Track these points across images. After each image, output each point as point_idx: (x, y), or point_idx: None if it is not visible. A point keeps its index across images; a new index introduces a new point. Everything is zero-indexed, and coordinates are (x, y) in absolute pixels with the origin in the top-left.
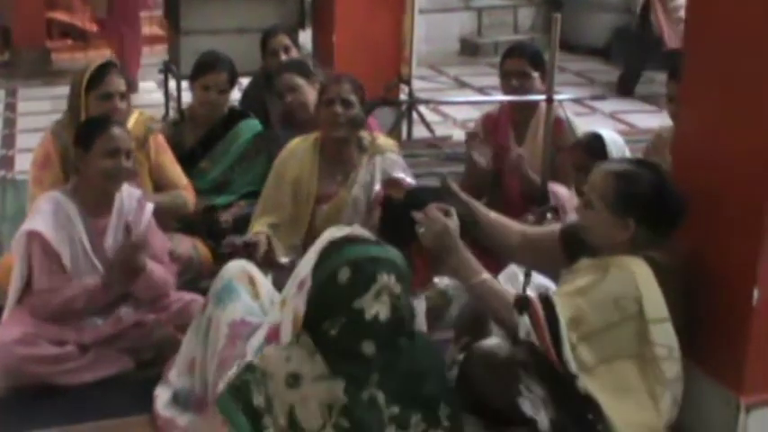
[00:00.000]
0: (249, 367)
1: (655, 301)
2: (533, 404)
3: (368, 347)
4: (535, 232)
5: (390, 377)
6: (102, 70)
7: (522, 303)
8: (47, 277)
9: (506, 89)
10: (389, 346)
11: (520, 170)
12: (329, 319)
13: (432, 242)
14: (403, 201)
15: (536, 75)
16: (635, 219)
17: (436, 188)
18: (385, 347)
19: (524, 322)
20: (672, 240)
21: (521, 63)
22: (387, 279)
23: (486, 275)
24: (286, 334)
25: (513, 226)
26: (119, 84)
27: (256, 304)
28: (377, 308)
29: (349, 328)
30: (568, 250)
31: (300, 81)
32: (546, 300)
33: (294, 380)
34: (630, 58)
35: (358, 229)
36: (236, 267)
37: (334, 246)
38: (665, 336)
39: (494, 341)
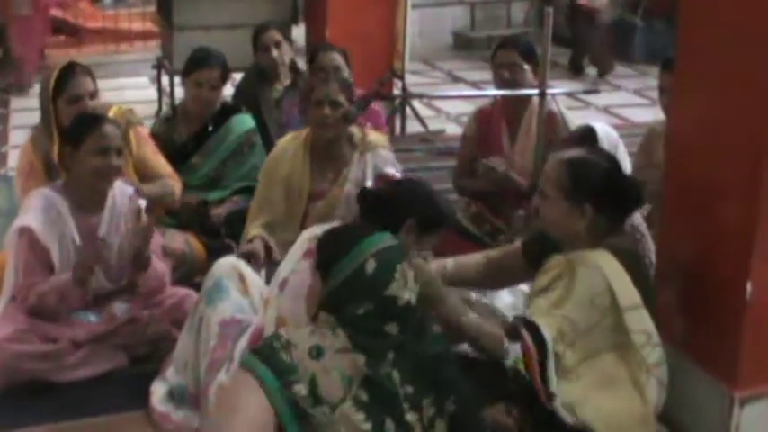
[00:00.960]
0: (275, 335)
1: (625, 290)
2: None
3: (392, 328)
4: (497, 253)
5: (405, 358)
6: (67, 73)
7: (513, 333)
8: (28, 272)
9: (498, 81)
10: (408, 329)
11: (494, 182)
12: (355, 303)
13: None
14: (379, 192)
15: (527, 67)
16: (591, 204)
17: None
18: (405, 330)
19: (514, 349)
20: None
21: (512, 55)
22: (403, 265)
23: (473, 315)
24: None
25: (473, 258)
26: (86, 84)
27: (246, 301)
28: (407, 294)
29: (379, 312)
30: (532, 262)
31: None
32: (531, 325)
33: (317, 351)
34: (578, 36)
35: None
36: (226, 265)
37: (348, 239)
38: (640, 322)
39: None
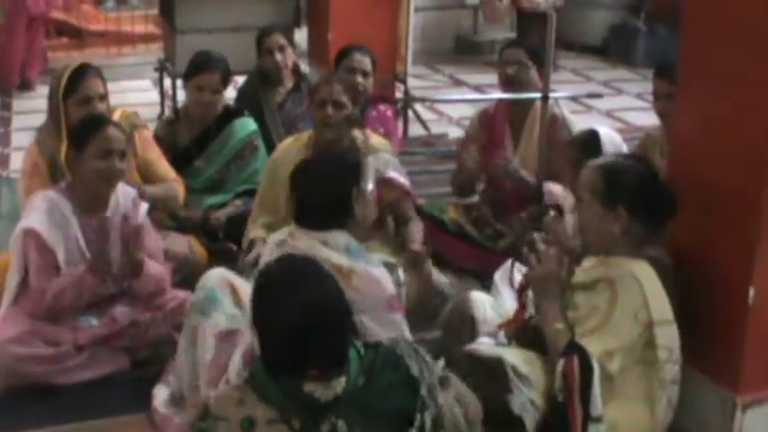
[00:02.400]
0: (204, 413)
1: (660, 303)
2: (522, 403)
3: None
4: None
5: (351, 401)
6: (78, 74)
7: (566, 352)
8: (40, 275)
9: (503, 78)
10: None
11: (507, 175)
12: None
13: (537, 280)
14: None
15: (533, 66)
16: (624, 207)
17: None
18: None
19: (558, 367)
20: (665, 237)
21: (518, 52)
22: None
23: (560, 326)
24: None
25: None
26: (96, 86)
27: (239, 311)
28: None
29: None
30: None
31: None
32: (579, 349)
33: (250, 424)
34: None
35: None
36: (216, 276)
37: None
38: (668, 338)
39: (483, 340)
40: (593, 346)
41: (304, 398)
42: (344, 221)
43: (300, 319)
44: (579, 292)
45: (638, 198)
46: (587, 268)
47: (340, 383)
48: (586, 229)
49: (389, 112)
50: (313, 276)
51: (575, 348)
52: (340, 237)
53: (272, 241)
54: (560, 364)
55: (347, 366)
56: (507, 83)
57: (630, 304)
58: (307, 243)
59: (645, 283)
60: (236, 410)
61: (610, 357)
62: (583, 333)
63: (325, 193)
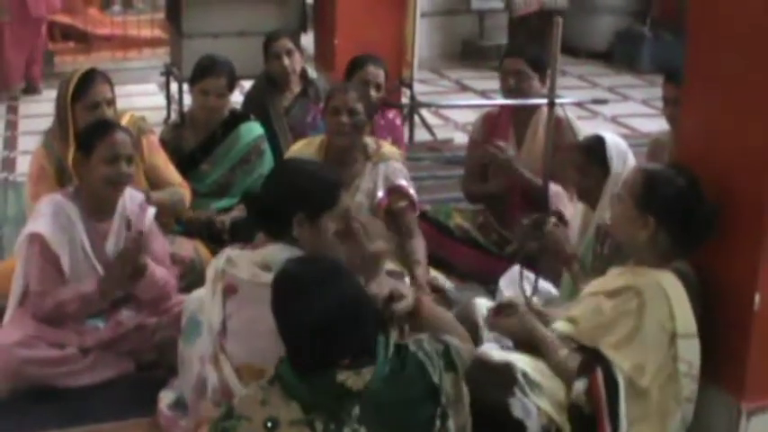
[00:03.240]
0: (227, 412)
1: (685, 316)
2: (524, 407)
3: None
4: None
5: (374, 409)
6: (87, 79)
7: (585, 369)
8: (40, 279)
9: (504, 88)
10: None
11: (511, 172)
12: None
13: (517, 333)
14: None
15: (534, 75)
16: (655, 217)
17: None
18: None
19: (579, 386)
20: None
21: (518, 62)
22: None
23: (564, 352)
24: None
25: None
26: (105, 91)
27: None
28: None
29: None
30: None
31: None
32: (603, 361)
33: (273, 424)
34: None
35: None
36: (196, 300)
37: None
38: (690, 352)
39: (488, 346)
40: (624, 360)
41: (335, 388)
42: (283, 237)
43: (333, 315)
44: (604, 297)
45: (670, 212)
46: (614, 275)
47: (370, 371)
48: (617, 227)
49: (398, 120)
50: (335, 273)
51: (595, 361)
52: (279, 253)
53: (212, 272)
54: (581, 383)
55: (377, 355)
56: (509, 93)
57: (658, 314)
58: (248, 271)
59: (671, 293)
60: (260, 410)
61: (641, 372)
62: (612, 344)
63: (268, 200)
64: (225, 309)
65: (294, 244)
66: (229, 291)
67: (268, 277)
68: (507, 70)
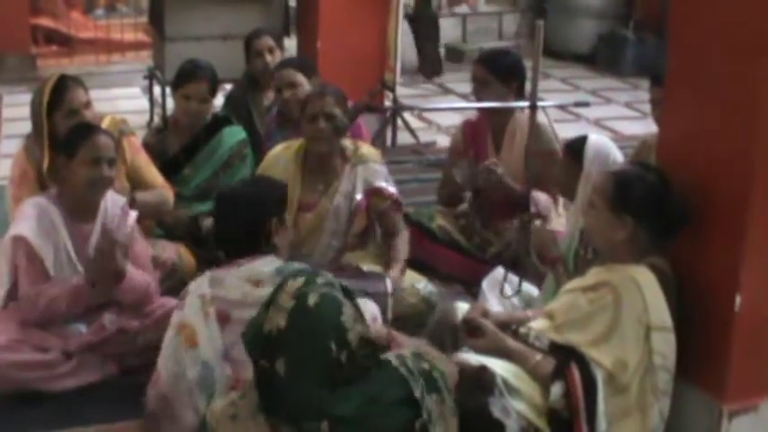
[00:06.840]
0: (203, 426)
1: (659, 309)
2: (503, 408)
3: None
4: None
5: (341, 421)
6: (60, 87)
7: (560, 372)
8: (30, 281)
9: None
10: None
11: (492, 182)
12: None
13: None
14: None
15: (498, 83)
16: (632, 216)
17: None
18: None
19: (556, 391)
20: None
21: (480, 70)
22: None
23: (538, 357)
24: None
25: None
26: (80, 96)
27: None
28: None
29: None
30: None
31: (301, 78)
32: (581, 361)
33: None
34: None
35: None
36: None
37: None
38: (664, 344)
39: (466, 354)
40: (605, 357)
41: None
42: (264, 250)
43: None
44: (580, 293)
45: (646, 209)
46: (591, 273)
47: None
48: (594, 233)
49: (360, 120)
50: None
51: (570, 360)
52: (267, 264)
53: (197, 300)
54: (558, 387)
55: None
56: (477, 100)
57: (634, 308)
58: (238, 290)
59: (645, 286)
60: (229, 425)
61: (623, 367)
62: (591, 342)
63: (240, 221)
64: (223, 338)
65: (275, 252)
66: (222, 320)
67: (261, 293)
68: (472, 76)
